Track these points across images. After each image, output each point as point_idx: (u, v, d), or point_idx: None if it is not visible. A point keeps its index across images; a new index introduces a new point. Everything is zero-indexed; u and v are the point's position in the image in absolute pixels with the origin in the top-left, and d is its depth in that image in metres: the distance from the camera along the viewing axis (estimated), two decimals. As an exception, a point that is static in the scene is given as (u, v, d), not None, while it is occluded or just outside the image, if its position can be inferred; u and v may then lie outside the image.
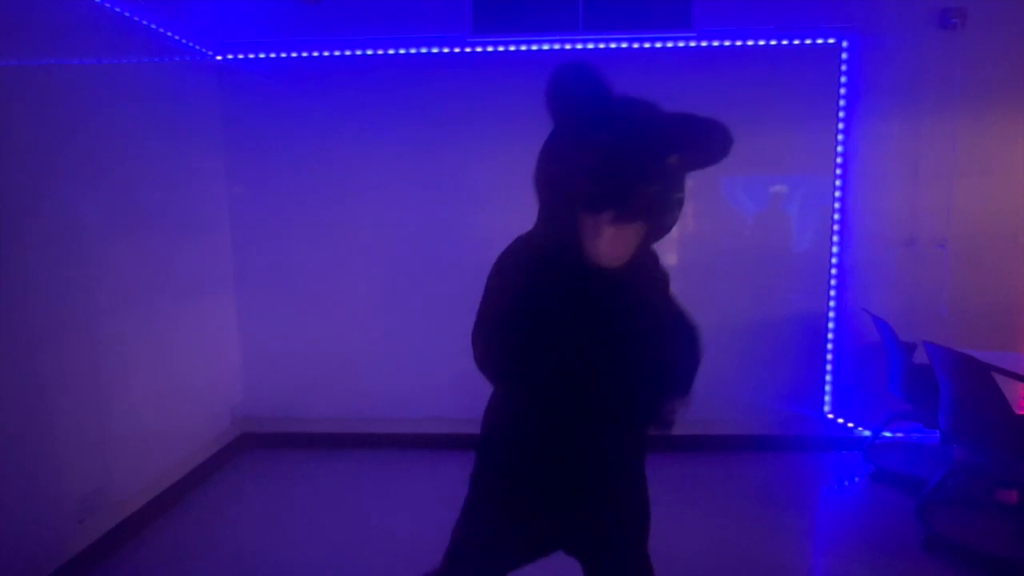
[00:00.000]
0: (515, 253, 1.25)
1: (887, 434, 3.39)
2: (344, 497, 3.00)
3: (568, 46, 3.24)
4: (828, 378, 3.45)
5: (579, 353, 1.17)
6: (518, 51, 3.26)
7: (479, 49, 3.26)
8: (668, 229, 1.17)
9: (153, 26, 2.79)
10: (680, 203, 1.14)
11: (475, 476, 1.35)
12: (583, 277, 1.13)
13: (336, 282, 3.46)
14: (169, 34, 2.91)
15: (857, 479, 3.19)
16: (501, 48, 3.26)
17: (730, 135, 1.20)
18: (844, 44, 3.24)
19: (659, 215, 1.11)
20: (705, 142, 1.18)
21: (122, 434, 2.53)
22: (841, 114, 3.28)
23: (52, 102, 2.20)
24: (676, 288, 3.64)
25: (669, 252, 3.44)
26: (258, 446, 3.54)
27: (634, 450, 1.35)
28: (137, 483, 2.64)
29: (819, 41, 3.23)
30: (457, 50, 3.26)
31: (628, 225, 1.07)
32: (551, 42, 3.24)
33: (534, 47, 3.25)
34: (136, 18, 2.66)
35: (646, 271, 1.23)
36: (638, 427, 1.31)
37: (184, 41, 3.03)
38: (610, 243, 1.08)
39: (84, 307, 2.34)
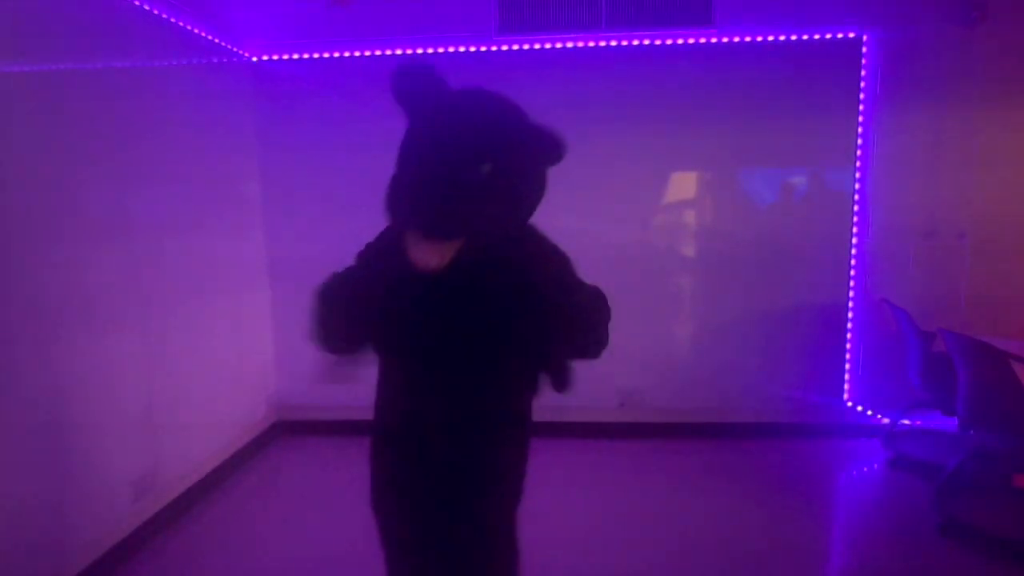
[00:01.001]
0: (379, 240, 1.30)
1: (906, 422, 3.45)
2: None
3: (592, 43, 3.32)
4: (847, 367, 3.51)
5: (412, 345, 1.21)
6: (543, 49, 3.35)
7: (504, 48, 3.35)
8: (503, 231, 1.14)
9: (191, 28, 2.91)
10: (510, 206, 1.13)
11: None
12: (414, 280, 1.12)
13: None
14: (207, 36, 3.03)
15: (876, 466, 3.25)
16: (526, 47, 3.34)
17: (555, 140, 1.16)
18: (865, 39, 3.28)
19: (472, 225, 1.07)
20: (521, 149, 1.13)
21: (169, 421, 2.66)
22: (861, 107, 3.33)
23: (103, 105, 2.32)
24: (699, 279, 3.77)
25: (691, 244, 3.51)
26: (291, 433, 3.68)
27: (484, 431, 1.29)
28: (183, 467, 2.79)
29: (840, 36, 3.28)
30: (483, 48, 3.35)
31: (438, 241, 1.07)
32: (574, 40, 3.32)
33: (558, 45, 3.33)
34: (175, 20, 2.78)
35: (487, 268, 1.14)
36: (472, 425, 1.27)
37: (220, 43, 3.15)
38: (422, 255, 1.08)
39: (136, 302, 2.47)
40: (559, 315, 1.14)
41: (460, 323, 1.18)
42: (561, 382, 1.26)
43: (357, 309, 1.21)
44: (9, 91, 1.92)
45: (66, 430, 2.12)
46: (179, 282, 2.77)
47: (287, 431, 3.69)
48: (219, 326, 3.09)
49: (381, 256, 1.24)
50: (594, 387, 3.54)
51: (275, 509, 2.86)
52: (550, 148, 1.16)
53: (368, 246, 1.31)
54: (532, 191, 1.18)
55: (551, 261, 1.22)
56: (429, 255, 1.08)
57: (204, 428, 2.96)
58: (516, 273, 1.14)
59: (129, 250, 2.44)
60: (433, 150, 1.07)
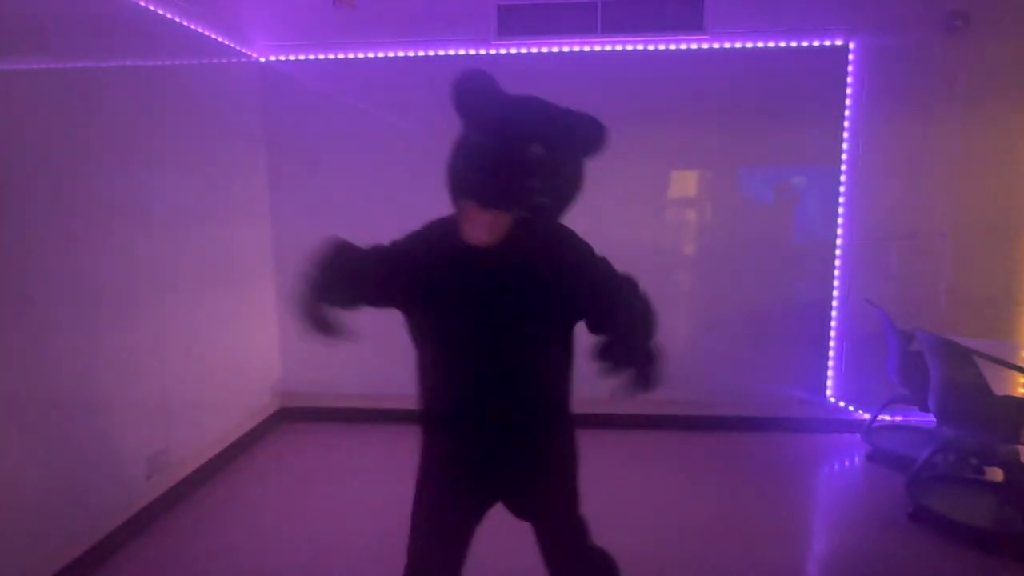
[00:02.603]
0: (417, 232, 1.44)
1: (885, 417, 3.57)
2: (373, 466, 3.27)
3: (587, 48, 3.44)
4: (831, 364, 3.64)
5: (460, 321, 1.32)
6: (539, 53, 3.48)
7: (503, 51, 3.48)
8: (547, 213, 1.27)
9: (202, 31, 3.04)
10: (555, 190, 1.26)
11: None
12: (463, 256, 1.26)
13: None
14: (217, 38, 3.17)
15: (855, 459, 3.38)
16: (524, 51, 3.47)
17: (601, 129, 1.31)
18: (851, 45, 3.39)
19: (523, 200, 1.21)
20: (568, 134, 1.27)
21: (180, 404, 2.82)
22: (847, 112, 3.44)
23: (118, 103, 2.46)
24: (689, 277, 3.91)
25: (680, 242, 3.64)
26: (295, 419, 3.84)
27: (536, 413, 1.42)
28: (192, 448, 2.94)
29: (827, 43, 3.39)
30: (483, 52, 3.49)
31: (489, 211, 1.20)
32: (571, 44, 3.44)
33: (555, 49, 3.46)
34: (187, 23, 2.92)
35: (533, 253, 1.29)
36: (525, 391, 1.38)
37: (230, 44, 3.29)
38: (478, 227, 1.22)
39: (150, 291, 2.62)
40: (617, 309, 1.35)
41: (507, 299, 1.30)
42: (646, 381, 1.42)
43: (361, 285, 1.42)
44: (30, 88, 2.06)
45: (87, 410, 2.28)
46: (190, 273, 2.91)
47: (291, 417, 3.84)
48: (226, 315, 3.25)
49: (429, 237, 1.38)
50: (586, 379, 3.68)
51: (278, 491, 3.01)
52: (594, 132, 1.31)
53: (395, 241, 1.45)
54: (576, 177, 1.32)
55: (594, 256, 1.41)
56: (484, 227, 1.22)
57: (212, 412, 3.11)
58: (562, 257, 1.32)
59: (144, 242, 2.59)
60: (492, 134, 1.22)
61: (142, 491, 2.59)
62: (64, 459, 2.18)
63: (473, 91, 1.29)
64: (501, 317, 1.31)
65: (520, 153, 1.19)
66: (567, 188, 1.30)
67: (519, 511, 1.49)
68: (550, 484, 1.49)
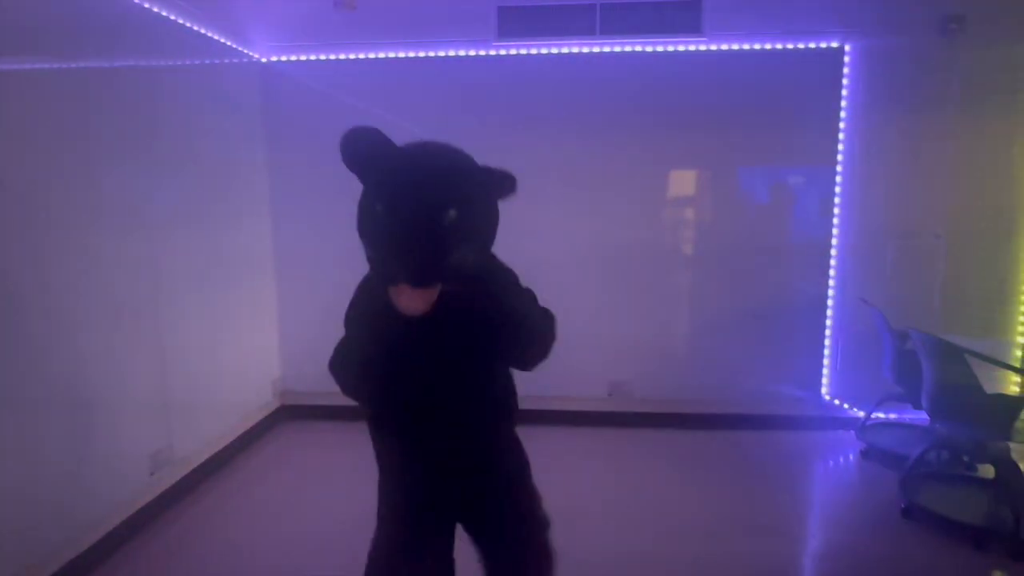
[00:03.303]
0: (358, 299, 1.44)
1: (879, 415, 3.61)
2: (372, 464, 3.28)
3: (587, 49, 3.47)
4: (826, 362, 3.68)
5: (413, 381, 1.35)
6: (539, 54, 3.51)
7: (503, 52, 3.51)
8: (475, 265, 1.22)
9: (204, 31, 3.07)
10: (480, 238, 1.23)
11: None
12: (402, 322, 1.21)
13: (366, 267, 3.73)
14: (217, 39, 3.19)
15: (850, 456, 3.42)
16: (524, 52, 3.50)
17: (507, 176, 1.23)
18: (847, 48, 3.43)
19: (451, 268, 1.14)
20: (479, 190, 1.21)
21: (182, 402, 2.84)
22: (843, 113, 3.48)
23: (120, 103, 2.48)
24: (686, 276, 3.96)
25: (678, 242, 3.68)
26: (295, 417, 3.86)
27: (481, 447, 1.45)
28: (194, 445, 2.97)
29: (823, 45, 3.43)
30: (483, 53, 3.51)
31: (422, 288, 1.15)
32: (570, 46, 3.47)
33: (554, 51, 3.49)
34: (187, 24, 2.94)
35: (465, 300, 1.25)
36: (476, 430, 1.42)
37: (231, 45, 3.31)
38: (411, 302, 1.18)
39: (150, 290, 2.65)
40: (519, 328, 1.30)
41: (452, 354, 1.32)
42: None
43: (368, 370, 1.37)
44: (30, 89, 2.08)
45: (91, 408, 2.31)
46: (192, 273, 2.94)
47: (291, 415, 3.87)
48: (227, 314, 3.27)
49: (369, 315, 1.36)
50: (586, 378, 3.73)
51: (278, 487, 3.04)
52: (504, 185, 1.23)
53: (352, 307, 1.44)
54: (493, 224, 1.28)
55: (508, 279, 1.37)
56: (418, 301, 1.17)
57: (213, 410, 3.14)
58: (488, 297, 1.28)
59: (146, 242, 2.61)
60: (401, 205, 1.13)
61: (145, 488, 2.62)
62: (68, 457, 2.20)
63: (365, 150, 1.25)
64: (447, 370, 1.34)
65: (439, 225, 1.11)
66: (488, 235, 1.27)
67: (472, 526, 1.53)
68: (498, 495, 1.50)
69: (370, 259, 1.23)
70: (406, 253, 1.11)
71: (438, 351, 1.32)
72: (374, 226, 1.18)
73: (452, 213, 1.12)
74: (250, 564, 2.39)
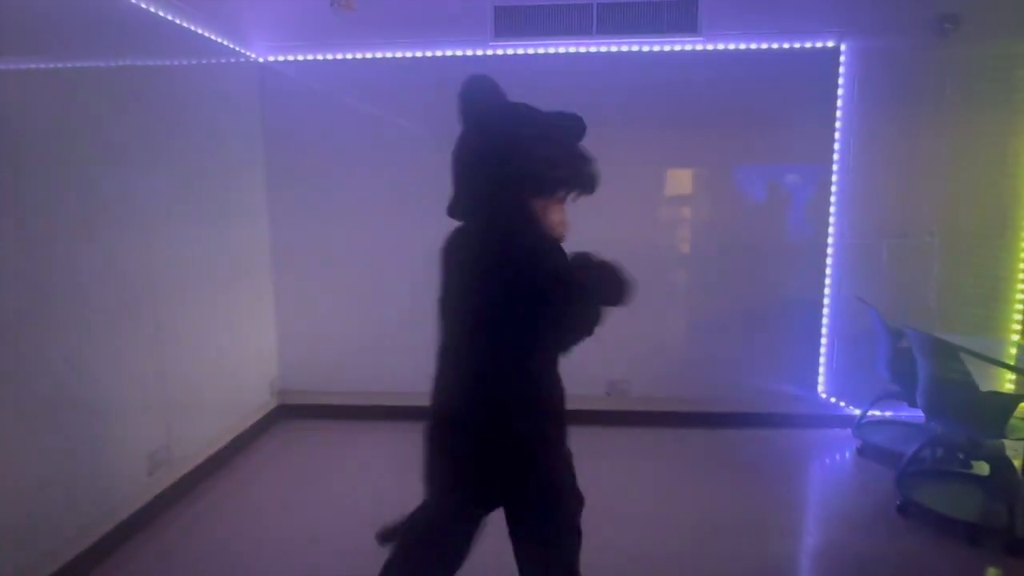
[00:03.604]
0: (534, 231, 1.47)
1: (875, 412, 3.63)
2: (370, 463, 3.30)
3: (583, 49, 3.48)
4: (822, 361, 3.70)
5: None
6: (536, 54, 3.51)
7: (500, 52, 3.51)
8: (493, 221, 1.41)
9: (202, 32, 3.06)
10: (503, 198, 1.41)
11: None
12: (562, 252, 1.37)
13: (365, 266, 3.75)
14: (217, 39, 3.19)
15: (846, 453, 3.44)
16: (521, 51, 3.51)
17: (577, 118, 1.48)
18: (843, 47, 3.45)
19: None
20: (580, 125, 1.47)
21: (180, 402, 2.84)
22: (839, 112, 3.50)
23: (117, 103, 2.48)
24: (683, 275, 3.96)
25: (675, 241, 3.69)
26: (293, 416, 3.86)
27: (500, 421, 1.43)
28: (193, 445, 2.97)
29: (819, 44, 3.44)
30: (480, 53, 3.52)
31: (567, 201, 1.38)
32: (567, 46, 3.48)
33: (551, 50, 3.49)
34: (185, 24, 2.94)
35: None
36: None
37: (229, 45, 3.31)
38: (563, 220, 1.40)
39: (148, 290, 2.64)
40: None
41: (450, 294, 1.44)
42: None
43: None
44: (27, 89, 2.08)
45: (88, 409, 2.31)
46: (189, 272, 2.94)
47: (290, 414, 3.87)
48: (225, 314, 3.27)
49: (549, 245, 1.43)
50: (584, 376, 3.73)
51: (277, 487, 3.04)
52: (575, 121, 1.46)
53: (538, 246, 1.42)
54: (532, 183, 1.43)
55: None
56: (566, 218, 1.41)
57: (212, 410, 3.14)
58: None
59: (144, 242, 2.61)
60: (568, 129, 1.42)
61: (143, 488, 2.62)
62: (67, 457, 2.20)
63: (483, 92, 1.47)
64: (448, 313, 1.45)
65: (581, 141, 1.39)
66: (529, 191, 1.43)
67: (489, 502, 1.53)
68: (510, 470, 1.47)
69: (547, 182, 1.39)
70: (582, 166, 1.40)
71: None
72: (547, 151, 1.38)
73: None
74: (248, 564, 2.40)
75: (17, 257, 2.00)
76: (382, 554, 1.63)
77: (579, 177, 1.40)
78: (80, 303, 2.26)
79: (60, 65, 2.19)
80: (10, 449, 1.98)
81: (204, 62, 3.10)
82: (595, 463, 3.34)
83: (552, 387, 1.50)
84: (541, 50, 3.51)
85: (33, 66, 2.07)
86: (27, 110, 2.06)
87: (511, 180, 1.35)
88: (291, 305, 3.82)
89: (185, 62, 2.93)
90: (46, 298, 2.11)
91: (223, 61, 3.27)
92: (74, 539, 2.25)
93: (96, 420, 2.34)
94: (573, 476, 1.61)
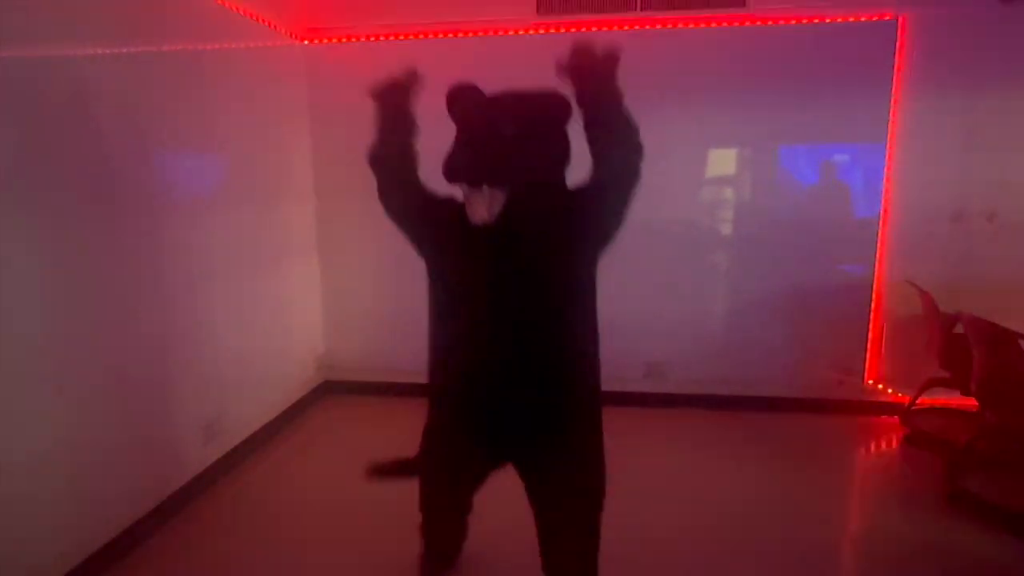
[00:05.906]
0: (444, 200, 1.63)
1: (925, 400, 3.53)
2: (413, 439, 3.37)
3: (626, 26, 3.42)
4: (870, 346, 3.60)
5: (474, 296, 1.50)
6: (578, 31, 3.46)
7: (542, 29, 3.48)
8: (532, 183, 1.44)
9: (248, 16, 3.12)
10: (540, 159, 1.46)
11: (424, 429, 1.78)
12: (470, 236, 1.45)
13: (408, 246, 3.79)
14: (260, 20, 3.24)
15: (894, 441, 3.37)
16: (563, 29, 3.46)
17: (566, 103, 1.52)
18: (900, 19, 3.29)
19: (504, 176, 1.40)
20: (541, 112, 1.49)
21: (230, 375, 2.97)
22: (895, 88, 3.35)
23: (161, 88, 2.54)
24: (728, 255, 3.90)
25: (720, 220, 3.62)
26: (337, 392, 3.98)
27: (550, 374, 1.54)
28: (243, 418, 3.09)
29: (874, 16, 3.30)
30: (522, 32, 3.49)
31: (480, 188, 1.39)
32: (610, 21, 3.42)
33: (594, 28, 3.44)
34: (236, 10, 3.00)
35: (529, 217, 1.46)
36: (537, 352, 1.51)
37: (275, 29, 3.37)
38: (476, 208, 1.41)
39: (201, 269, 2.75)
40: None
41: (513, 267, 1.45)
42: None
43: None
44: (94, 75, 2.16)
45: (151, 383, 2.46)
46: (241, 252, 3.04)
47: (334, 389, 3.99)
48: (274, 291, 3.38)
49: (449, 210, 1.56)
50: (622, 358, 3.72)
51: (321, 461, 3.15)
52: (560, 107, 1.50)
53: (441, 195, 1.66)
54: (557, 144, 1.51)
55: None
56: (481, 207, 1.40)
57: (260, 384, 3.26)
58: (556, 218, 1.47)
59: (201, 223, 2.71)
60: (475, 128, 1.46)
61: (199, 457, 2.75)
62: (135, 426, 2.34)
63: (461, 98, 1.54)
64: (508, 284, 1.46)
65: (496, 136, 1.41)
66: (554, 154, 1.51)
67: (529, 471, 1.61)
68: (564, 444, 1.59)
69: (447, 167, 1.50)
70: (469, 156, 1.44)
71: (500, 266, 1.46)
72: (453, 146, 1.48)
73: (508, 127, 1.43)
74: (294, 533, 2.49)
75: (70, 245, 2.06)
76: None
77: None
78: (133, 286, 2.36)
79: (104, 51, 2.21)
80: (89, 418, 2.12)
81: (249, 45, 3.16)
82: (631, 445, 3.36)
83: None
84: (584, 28, 3.46)
85: (74, 52, 2.10)
86: (70, 96, 2.07)
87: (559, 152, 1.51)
88: (337, 282, 3.92)
89: (230, 45, 3.00)
90: (126, 281, 2.28)
91: (267, 43, 3.33)
92: (139, 501, 2.39)
93: (156, 394, 2.48)
94: None
